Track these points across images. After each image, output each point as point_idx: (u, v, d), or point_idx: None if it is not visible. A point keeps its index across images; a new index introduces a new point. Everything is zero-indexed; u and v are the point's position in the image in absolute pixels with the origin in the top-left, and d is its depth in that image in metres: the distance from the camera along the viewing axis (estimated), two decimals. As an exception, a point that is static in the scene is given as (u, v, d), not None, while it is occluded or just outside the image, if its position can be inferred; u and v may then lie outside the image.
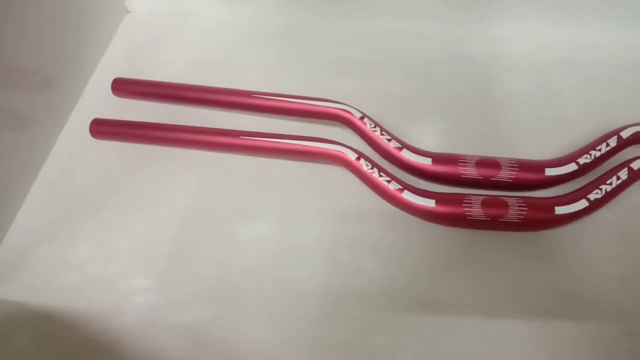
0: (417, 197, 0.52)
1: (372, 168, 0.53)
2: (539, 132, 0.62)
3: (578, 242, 0.53)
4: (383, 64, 0.70)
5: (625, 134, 0.55)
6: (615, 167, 0.53)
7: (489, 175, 0.54)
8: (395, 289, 0.51)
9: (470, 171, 0.54)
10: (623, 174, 0.52)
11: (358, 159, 0.54)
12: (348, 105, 0.58)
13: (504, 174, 0.54)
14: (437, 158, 0.55)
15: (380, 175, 0.53)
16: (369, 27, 0.73)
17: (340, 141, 0.56)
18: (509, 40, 0.72)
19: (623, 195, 0.54)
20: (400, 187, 0.52)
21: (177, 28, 0.74)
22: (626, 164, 0.53)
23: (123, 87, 0.63)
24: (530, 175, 0.54)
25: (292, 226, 0.55)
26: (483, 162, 0.54)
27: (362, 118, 0.57)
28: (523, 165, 0.54)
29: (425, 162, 0.55)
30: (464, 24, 0.72)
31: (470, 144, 0.58)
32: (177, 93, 0.61)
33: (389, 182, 0.53)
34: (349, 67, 0.70)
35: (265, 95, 0.59)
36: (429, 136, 0.61)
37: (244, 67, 0.69)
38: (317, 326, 0.49)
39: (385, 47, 0.72)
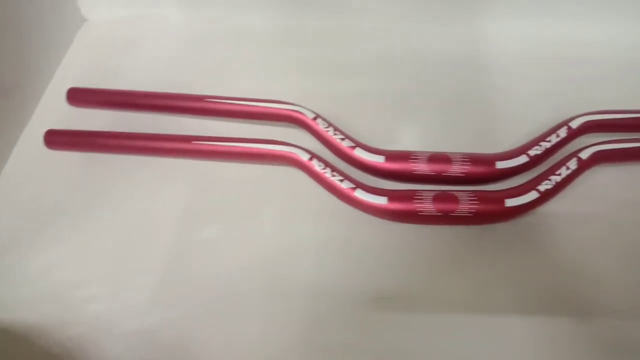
0: (369, 195, 0.52)
1: (324, 168, 0.54)
2: (499, 125, 0.63)
3: (532, 233, 0.53)
4: (344, 64, 0.70)
5: (574, 124, 0.55)
6: (565, 157, 0.54)
7: (441, 171, 0.54)
8: (351, 286, 0.51)
9: (423, 167, 0.54)
10: (572, 164, 0.53)
11: (310, 159, 0.54)
12: (301, 106, 0.58)
13: (456, 169, 0.54)
14: (390, 155, 0.55)
15: (333, 175, 0.53)
16: (330, 26, 0.73)
17: (297, 142, 0.56)
18: (474, 38, 0.72)
19: (576, 184, 0.55)
20: (353, 186, 0.53)
21: (136, 35, 0.74)
22: (575, 154, 0.53)
23: (78, 96, 0.62)
24: (481, 168, 0.54)
25: (247, 229, 0.55)
26: (434, 158, 0.54)
27: (315, 118, 0.57)
28: (474, 159, 0.54)
29: (378, 160, 0.55)
30: (428, 23, 0.72)
31: (437, 140, 0.59)
32: (131, 100, 0.61)
33: (341, 181, 0.53)
34: (310, 67, 0.69)
35: (217, 99, 0.59)
36: (389, 134, 0.61)
37: (203, 71, 0.69)
38: (276, 328, 0.49)
39: (347, 47, 0.72)
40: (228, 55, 0.71)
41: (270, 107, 0.58)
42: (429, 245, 0.53)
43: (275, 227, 0.54)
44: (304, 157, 0.54)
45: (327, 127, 0.57)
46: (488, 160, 0.54)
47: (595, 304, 0.49)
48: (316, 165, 0.54)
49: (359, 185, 0.53)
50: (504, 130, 0.61)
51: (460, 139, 0.60)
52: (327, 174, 0.53)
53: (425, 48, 0.71)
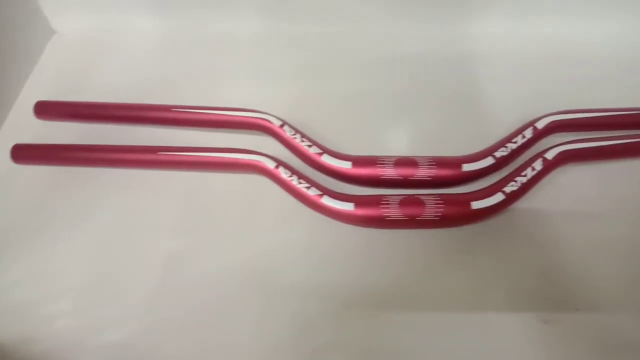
0: (336, 201, 0.52)
1: (291, 175, 0.53)
2: (470, 128, 0.63)
3: (499, 234, 0.53)
4: (314, 69, 0.70)
5: (540, 125, 0.55)
6: (531, 158, 0.54)
7: (408, 175, 0.54)
8: (320, 292, 0.51)
9: (390, 172, 0.54)
10: (538, 165, 0.53)
11: (277, 167, 0.54)
12: (267, 114, 0.58)
13: (423, 172, 0.54)
14: (357, 161, 0.55)
15: (300, 182, 0.53)
16: (301, 32, 0.73)
17: (268, 149, 0.56)
18: (447, 39, 0.72)
19: (543, 185, 0.55)
20: (320, 193, 0.52)
21: (106, 46, 0.74)
22: (540, 154, 0.53)
23: (46, 109, 0.62)
24: (447, 171, 0.54)
25: (215, 239, 0.54)
26: (401, 162, 0.54)
27: (282, 125, 0.57)
28: (440, 163, 0.54)
29: (346, 166, 0.55)
30: (398, 25, 0.73)
31: (408, 144, 0.60)
32: (98, 112, 0.61)
33: (308, 188, 0.53)
34: (281, 73, 0.69)
35: (184, 108, 0.59)
36: (359, 138, 0.61)
37: (173, 81, 0.69)
38: (246, 337, 0.48)
39: (317, 52, 0.72)
40: (199, 64, 0.71)
41: (237, 116, 0.58)
42: (397, 250, 0.53)
43: (243, 236, 0.54)
44: (270, 165, 0.54)
45: (294, 134, 0.57)
46: (454, 163, 0.54)
47: (566, 301, 0.49)
48: (283, 173, 0.53)
49: (326, 192, 0.53)
50: (481, 132, 0.60)
51: (436, 143, 0.60)
52: (294, 181, 0.53)
53: (397, 50, 0.71)
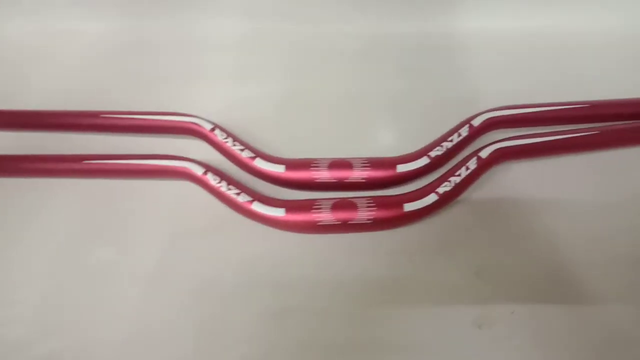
0: (267, 207, 0.50)
1: (220, 181, 0.52)
2: (415, 127, 0.61)
3: (436, 234, 0.52)
4: (252, 71, 0.68)
5: (476, 122, 0.54)
6: (465, 157, 0.52)
7: (342, 177, 0.53)
8: (255, 299, 0.49)
9: (324, 175, 0.53)
10: (472, 164, 0.51)
11: (205, 173, 0.52)
12: (198, 117, 0.56)
13: (357, 174, 0.53)
14: (291, 164, 0.54)
15: (229, 188, 0.51)
16: (237, 32, 0.71)
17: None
18: (378, 34, 0.71)
19: (481, 184, 0.54)
20: (250, 199, 0.51)
21: (39, 52, 0.71)
22: (475, 153, 0.52)
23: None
24: (382, 173, 0.53)
25: (147, 247, 0.52)
26: (335, 164, 0.53)
27: (213, 129, 0.55)
28: (374, 164, 0.53)
29: (279, 170, 0.53)
30: (331, 23, 0.71)
31: (348, 147, 0.58)
32: (25, 120, 0.58)
33: (238, 194, 0.51)
34: (220, 75, 0.67)
35: (113, 114, 0.56)
36: (298, 141, 0.59)
37: (109, 86, 0.66)
38: (178, 350, 0.47)
39: (253, 52, 0.70)
40: (135, 67, 0.69)
41: (167, 120, 0.56)
42: (331, 254, 0.51)
43: (172, 243, 0.52)
44: (198, 171, 0.52)
45: (225, 138, 0.55)
46: (389, 163, 0.53)
47: (503, 300, 0.48)
48: (211, 179, 0.52)
49: (256, 197, 0.51)
50: (427, 130, 0.58)
51: (382, 143, 0.60)
52: (223, 187, 0.51)
53: (336, 48, 0.69)
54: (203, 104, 0.61)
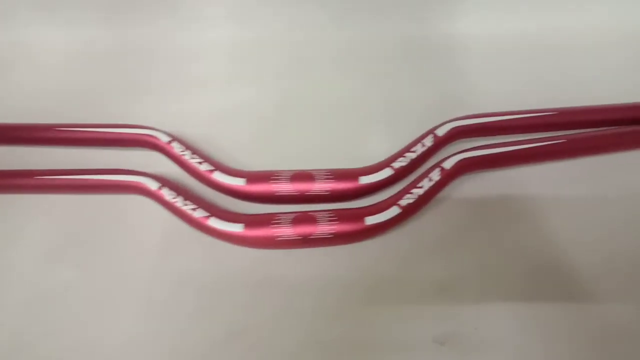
0: (225, 222, 0.49)
1: (176, 196, 0.50)
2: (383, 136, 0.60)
3: (398, 248, 0.51)
4: (221, 79, 0.66)
5: (440, 132, 0.53)
6: (428, 168, 0.51)
7: (304, 190, 0.51)
8: (213, 318, 0.47)
9: (285, 187, 0.51)
10: (435, 175, 0.50)
11: (161, 187, 0.50)
12: (155, 130, 0.54)
13: (319, 187, 0.51)
14: (252, 177, 0.52)
15: (186, 203, 0.50)
16: (196, 42, 0.69)
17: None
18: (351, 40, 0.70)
19: (448, 195, 0.53)
20: (207, 214, 0.49)
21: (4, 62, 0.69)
22: (438, 164, 0.51)
23: None
24: (344, 184, 0.51)
25: (104, 265, 0.50)
26: (297, 177, 0.51)
27: (170, 142, 0.54)
28: (337, 175, 0.51)
29: (239, 183, 0.52)
30: (292, 31, 0.69)
31: (322, 157, 0.56)
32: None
33: (194, 209, 0.49)
34: (182, 86, 0.66)
35: (68, 127, 0.55)
36: (262, 153, 0.58)
37: (74, 97, 0.64)
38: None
39: (218, 63, 0.68)
40: (101, 78, 0.67)
41: (123, 133, 0.54)
42: (292, 269, 0.50)
43: (129, 261, 0.51)
44: (153, 186, 0.50)
45: (183, 151, 0.53)
46: (351, 175, 0.51)
47: (466, 317, 0.47)
48: (166, 195, 0.50)
49: (214, 212, 0.49)
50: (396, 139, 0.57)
51: (349, 154, 0.57)
52: (178, 202, 0.49)
53: (301, 56, 0.68)
54: (166, 115, 0.59)
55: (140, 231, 0.52)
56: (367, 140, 0.60)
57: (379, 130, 0.61)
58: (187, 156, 0.53)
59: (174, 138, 0.54)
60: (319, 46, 0.69)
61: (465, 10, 0.70)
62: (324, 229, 0.48)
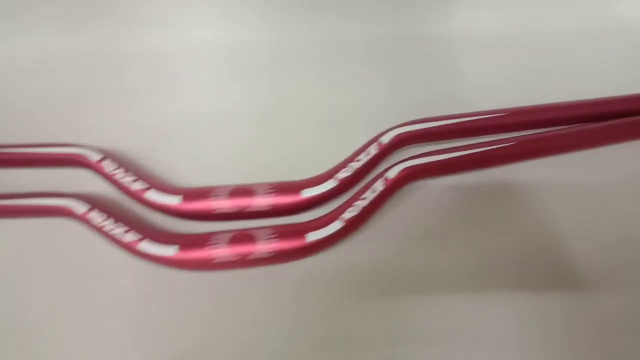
0: (157, 245, 0.46)
1: (106, 219, 0.47)
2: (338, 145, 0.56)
3: (343, 264, 0.48)
4: (169, 89, 0.62)
5: (385, 139, 0.51)
6: (372, 179, 0.49)
7: (244, 206, 0.48)
8: (148, 345, 0.45)
9: (223, 204, 0.48)
10: (379, 186, 0.48)
11: (90, 210, 0.47)
12: (84, 147, 0.51)
13: (260, 202, 0.48)
14: (189, 194, 0.49)
15: (117, 226, 0.47)
16: (137, 49, 0.65)
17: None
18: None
19: (395, 204, 0.50)
20: (139, 237, 0.46)
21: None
22: (382, 174, 0.49)
23: None
24: (286, 199, 0.49)
25: (32, 294, 0.47)
26: (237, 192, 0.49)
27: (101, 160, 0.50)
28: (279, 189, 0.49)
29: (175, 201, 0.49)
30: (235, 31, 0.66)
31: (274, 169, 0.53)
32: None
33: (126, 232, 0.46)
34: (131, 99, 0.61)
35: (-10, 148, 0.51)
36: (208, 167, 0.54)
37: (21, 111, 0.59)
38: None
39: (165, 70, 0.64)
40: (34, 91, 0.62)
41: (51, 153, 0.51)
42: (229, 292, 0.47)
43: (60, 288, 0.47)
44: (80, 209, 0.47)
45: (115, 169, 0.50)
46: (293, 188, 0.49)
47: (408, 333, 0.45)
48: (95, 218, 0.47)
49: (146, 234, 0.46)
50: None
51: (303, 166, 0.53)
52: (107, 226, 0.46)
53: (252, 63, 0.65)
54: (106, 128, 0.56)
55: (69, 256, 0.49)
56: (323, 149, 0.55)
57: (335, 137, 0.56)
58: (118, 175, 0.50)
59: (107, 155, 0.51)
60: (261, 49, 0.66)
61: (446, 8, 0.67)
62: (264, 247, 0.45)
